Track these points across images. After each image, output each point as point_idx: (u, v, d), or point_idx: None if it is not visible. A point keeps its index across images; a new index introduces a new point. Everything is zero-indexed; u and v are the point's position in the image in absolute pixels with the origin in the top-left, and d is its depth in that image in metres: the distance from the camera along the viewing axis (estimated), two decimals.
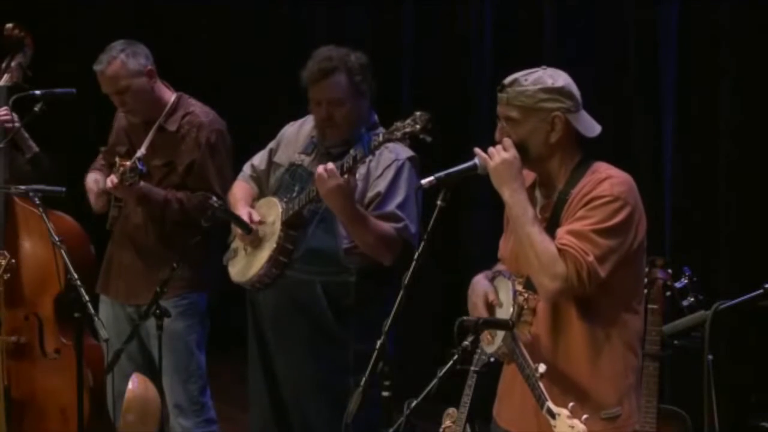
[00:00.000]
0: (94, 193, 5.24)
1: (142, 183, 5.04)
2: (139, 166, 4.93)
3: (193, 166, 5.20)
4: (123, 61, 5.15)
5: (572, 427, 3.21)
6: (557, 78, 3.61)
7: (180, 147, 5.22)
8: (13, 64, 5.26)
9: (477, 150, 3.62)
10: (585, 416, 3.23)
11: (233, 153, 5.31)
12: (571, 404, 3.25)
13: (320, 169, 4.47)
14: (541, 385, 3.37)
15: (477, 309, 3.64)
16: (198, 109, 5.29)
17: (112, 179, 5.01)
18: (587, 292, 3.51)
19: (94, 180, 5.28)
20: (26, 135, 5.26)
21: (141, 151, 5.19)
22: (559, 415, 3.25)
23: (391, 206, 4.62)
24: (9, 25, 5.28)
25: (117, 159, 5.10)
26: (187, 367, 5.27)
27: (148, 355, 5.26)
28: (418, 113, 4.33)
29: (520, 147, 3.59)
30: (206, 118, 5.26)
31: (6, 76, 5.24)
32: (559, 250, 3.48)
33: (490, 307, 3.64)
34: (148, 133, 5.26)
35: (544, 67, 3.66)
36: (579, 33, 6.32)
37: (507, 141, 3.59)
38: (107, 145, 5.44)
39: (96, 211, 5.29)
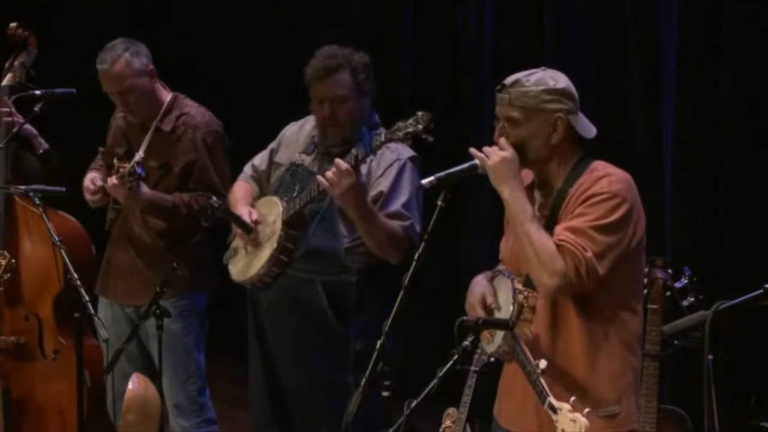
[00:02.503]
0: (91, 190, 5.22)
1: (147, 190, 5.04)
2: (138, 170, 4.92)
3: (191, 168, 5.18)
4: (128, 60, 5.13)
5: (574, 420, 3.20)
6: (558, 79, 3.61)
7: (176, 148, 5.20)
8: (16, 63, 5.24)
9: (473, 150, 3.62)
10: (587, 410, 3.23)
11: (233, 153, 5.30)
12: (572, 398, 3.25)
13: (338, 164, 4.43)
14: (543, 381, 3.37)
15: (474, 310, 3.63)
16: (193, 110, 5.27)
17: (112, 180, 5.00)
18: (586, 289, 3.51)
19: (90, 179, 5.27)
20: (35, 132, 5.23)
21: (139, 155, 5.16)
22: (560, 409, 3.25)
23: (397, 205, 4.62)
24: (13, 24, 5.26)
25: (115, 161, 5.09)
26: (186, 368, 5.26)
27: (148, 356, 5.25)
28: (420, 113, 4.32)
29: (520, 148, 3.58)
30: (202, 119, 5.24)
31: (9, 76, 5.22)
32: (558, 246, 3.48)
33: (488, 309, 3.63)
34: (145, 134, 5.24)
35: (543, 68, 3.65)
36: (579, 33, 6.32)
37: (503, 140, 3.58)
38: (105, 146, 5.44)
39: (92, 205, 5.28)
